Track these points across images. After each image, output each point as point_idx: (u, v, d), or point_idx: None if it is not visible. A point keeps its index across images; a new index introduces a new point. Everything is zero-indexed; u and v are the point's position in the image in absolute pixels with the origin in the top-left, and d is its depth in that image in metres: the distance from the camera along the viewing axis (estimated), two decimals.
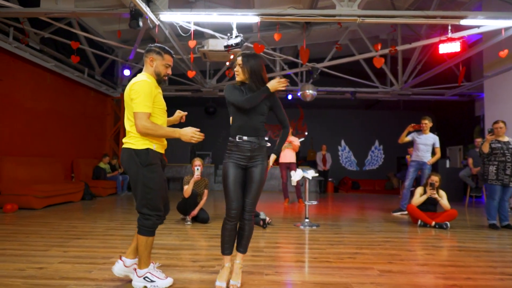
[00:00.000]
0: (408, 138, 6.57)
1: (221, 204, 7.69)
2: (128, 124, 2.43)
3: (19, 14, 5.63)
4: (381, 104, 13.50)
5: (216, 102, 13.44)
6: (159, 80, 2.53)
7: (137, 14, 5.22)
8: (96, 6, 6.91)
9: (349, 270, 2.95)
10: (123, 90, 6.92)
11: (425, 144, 6.39)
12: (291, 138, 7.85)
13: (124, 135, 2.89)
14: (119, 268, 2.53)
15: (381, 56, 7.80)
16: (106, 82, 9.92)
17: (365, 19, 5.38)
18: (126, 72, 8.80)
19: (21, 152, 6.88)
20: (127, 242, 3.79)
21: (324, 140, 13.37)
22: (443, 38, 5.82)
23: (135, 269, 2.49)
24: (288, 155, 7.82)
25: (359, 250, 3.65)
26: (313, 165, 12.17)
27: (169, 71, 2.56)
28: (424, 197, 5.28)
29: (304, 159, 13.26)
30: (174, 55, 2.59)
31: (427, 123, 6.37)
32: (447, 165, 9.33)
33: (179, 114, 2.79)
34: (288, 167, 7.83)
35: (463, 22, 5.44)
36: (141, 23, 5.30)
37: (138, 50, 7.46)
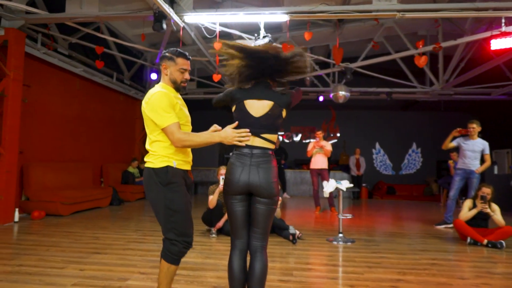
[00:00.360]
0: (453, 144, 5.98)
1: None
2: (148, 141, 2.23)
3: (45, 20, 5.58)
4: (419, 104, 12.70)
5: None
6: (177, 87, 2.25)
7: (160, 16, 5.01)
8: (120, 10, 6.81)
9: None
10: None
11: (473, 150, 5.77)
12: (323, 142, 7.42)
13: None
14: None
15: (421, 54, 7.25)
16: (135, 86, 9.89)
17: (405, 14, 4.88)
18: (153, 76, 8.71)
19: (50, 158, 6.89)
20: (146, 259, 3.56)
21: (358, 142, 12.77)
22: (495, 32, 5.21)
23: None
24: (319, 161, 7.39)
25: (402, 277, 3.21)
26: (345, 169, 11.62)
27: (186, 76, 2.25)
28: (474, 212, 4.72)
29: (336, 163, 12.71)
30: (190, 57, 2.28)
31: (475, 127, 5.76)
32: (495, 171, 8.54)
33: (215, 129, 2.30)
34: (320, 173, 7.40)
35: None
36: (165, 26, 5.09)
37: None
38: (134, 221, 5.85)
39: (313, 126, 13.74)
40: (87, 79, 7.90)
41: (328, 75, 10.70)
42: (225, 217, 4.92)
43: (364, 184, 11.56)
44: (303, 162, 12.62)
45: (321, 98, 10.72)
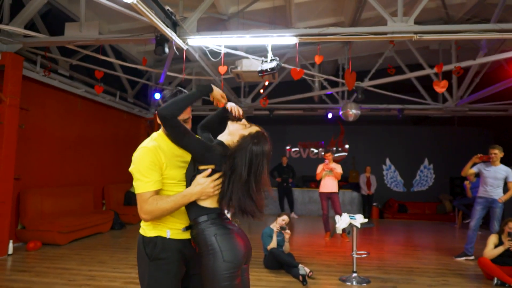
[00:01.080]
0: (474, 170, 5.62)
1: (255, 244, 7.05)
2: None
3: (44, 43, 5.38)
4: (430, 119, 12.31)
5: (252, 120, 12.84)
6: None
7: (162, 40, 4.76)
8: (123, 30, 6.59)
9: None
10: (156, 110, 6.51)
11: (495, 178, 5.40)
12: (333, 164, 7.08)
13: None
14: None
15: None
16: (139, 104, 9.67)
17: (423, 36, 4.57)
18: (157, 96, 8.48)
19: (49, 183, 6.63)
20: None
21: (367, 158, 12.38)
22: None
23: None
24: (329, 184, 7.05)
25: None
26: (355, 187, 11.24)
27: (189, 125, 1.90)
28: (501, 250, 4.34)
29: (346, 181, 12.30)
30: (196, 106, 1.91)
31: (497, 153, 5.40)
32: None
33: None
34: (330, 197, 7.05)
35: None
36: (167, 50, 4.83)
37: (168, 73, 7.06)
38: (134, 252, 5.53)
39: (321, 141, 13.41)
40: (89, 99, 7.68)
41: (337, 92, 10.40)
42: None
43: (374, 204, 11.17)
44: (311, 179, 12.25)
45: (330, 115, 10.42)
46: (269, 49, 4.91)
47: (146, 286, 1.78)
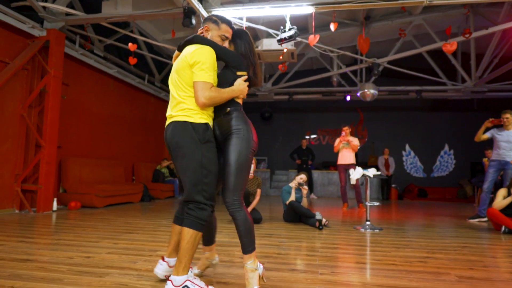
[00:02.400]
0: (487, 135, 5.81)
1: (276, 208, 7.42)
2: (182, 94, 2.02)
3: (83, 20, 5.94)
4: (450, 104, 12.36)
5: (272, 107, 13.29)
6: None
7: (190, 12, 5.23)
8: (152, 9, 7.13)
9: (419, 274, 2.51)
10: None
11: (508, 141, 5.58)
12: (350, 137, 7.38)
13: None
14: (164, 269, 2.22)
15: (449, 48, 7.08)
16: (165, 89, 10.24)
17: (433, 1, 4.85)
18: None
19: (86, 154, 7.23)
20: None
21: (387, 144, 12.51)
22: None
23: (166, 277, 2.06)
24: (346, 156, 7.35)
25: (430, 255, 3.15)
26: None
27: (226, 44, 2.16)
28: (509, 200, 4.56)
29: (365, 165, 12.50)
30: (234, 27, 2.22)
31: (508, 117, 5.59)
32: None
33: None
34: (347, 169, 7.33)
35: None
36: (194, 21, 5.30)
37: None
38: (165, 213, 6.02)
39: (341, 128, 13.62)
40: (120, 80, 8.28)
41: (355, 75, 10.65)
42: (252, 205, 4.99)
43: (393, 185, 11.31)
44: (331, 164, 12.52)
45: (348, 98, 10.66)
46: (287, 18, 5.30)
47: (199, 167, 1.95)
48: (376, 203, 4.79)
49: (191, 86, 2.00)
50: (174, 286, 1.89)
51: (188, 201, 1.98)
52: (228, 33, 2.16)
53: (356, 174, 4.65)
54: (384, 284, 2.26)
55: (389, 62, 9.28)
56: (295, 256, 3.03)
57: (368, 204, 4.64)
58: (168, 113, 2.10)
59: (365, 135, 13.46)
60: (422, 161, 13.14)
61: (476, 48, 9.48)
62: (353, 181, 4.81)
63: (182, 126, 1.98)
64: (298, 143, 11.50)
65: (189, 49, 2.04)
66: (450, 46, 5.32)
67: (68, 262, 2.65)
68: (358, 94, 9.38)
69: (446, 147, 13.04)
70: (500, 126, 5.73)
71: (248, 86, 2.15)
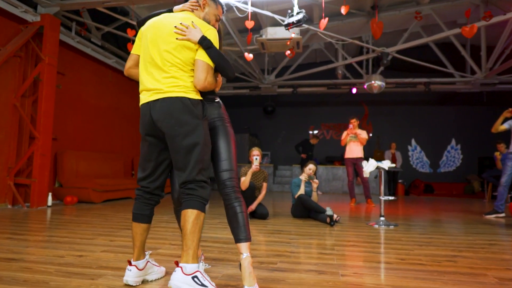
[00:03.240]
0: (505, 126, 5.52)
1: (280, 203, 7.13)
2: (179, 72, 1.83)
3: (79, 5, 5.63)
4: (458, 98, 12.03)
5: (275, 101, 12.97)
6: None
7: None
8: None
9: (453, 276, 2.22)
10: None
11: None
12: (358, 130, 7.07)
13: None
14: (134, 275, 1.91)
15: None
16: None
17: None
18: None
19: (83, 147, 6.94)
20: (177, 235, 3.39)
21: (392, 139, 12.22)
22: None
23: (176, 263, 1.75)
24: (354, 150, 7.05)
25: (458, 253, 2.86)
26: None
27: (216, 26, 2.09)
28: None
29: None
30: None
31: None
32: None
33: None
34: (355, 163, 7.04)
35: None
36: None
37: None
38: (165, 209, 5.73)
39: (345, 123, 13.33)
40: (119, 71, 7.97)
41: (361, 66, 10.34)
42: (258, 199, 4.71)
43: (400, 181, 11.03)
44: (335, 158, 12.24)
45: (354, 90, 10.35)
46: (295, 2, 4.98)
47: (202, 145, 1.82)
48: (392, 198, 4.49)
49: (189, 65, 1.85)
50: (184, 273, 1.67)
51: (187, 181, 1.82)
52: (221, 14, 2.13)
53: (369, 166, 4.36)
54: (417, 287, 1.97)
55: (397, 53, 8.98)
56: (309, 255, 2.74)
57: (382, 198, 4.35)
58: (151, 87, 1.83)
59: (370, 129, 13.15)
60: (429, 156, 12.86)
61: (486, 40, 9.16)
62: (366, 174, 4.51)
63: (181, 102, 1.81)
64: (302, 137, 11.20)
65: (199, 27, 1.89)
66: (469, 29, 5.02)
67: (58, 261, 2.36)
68: (365, 86, 9.06)
69: (453, 142, 12.75)
70: None
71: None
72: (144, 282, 1.97)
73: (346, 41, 7.31)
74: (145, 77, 1.88)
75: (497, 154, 8.32)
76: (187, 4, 2.01)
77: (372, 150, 12.61)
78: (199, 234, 1.76)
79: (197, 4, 2.01)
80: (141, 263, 1.95)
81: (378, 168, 4.36)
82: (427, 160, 12.84)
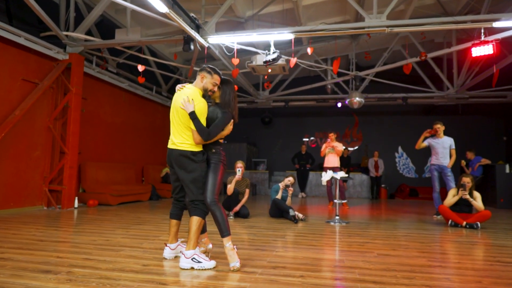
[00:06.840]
0: (425, 143, 6.74)
1: (265, 206, 8.33)
2: (184, 131, 2.81)
3: (99, 45, 6.94)
4: (439, 109, 13.10)
5: (271, 112, 14.19)
6: (204, 94, 3.00)
7: (189, 39, 6.18)
8: (157, 34, 8.12)
9: (348, 253, 3.41)
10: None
11: (443, 147, 6.52)
12: (335, 143, 8.23)
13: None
14: (168, 252, 3.06)
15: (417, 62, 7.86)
16: (171, 98, 11.21)
17: (393, 29, 5.71)
18: None
19: (102, 158, 8.25)
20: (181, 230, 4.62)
21: (380, 146, 13.32)
22: (476, 41, 5.88)
23: (181, 252, 2.87)
24: (331, 160, 8.21)
25: (371, 241, 4.04)
26: (365, 171, 12.27)
27: (215, 89, 2.93)
28: (456, 198, 5.39)
29: (358, 166, 13.35)
30: (221, 75, 3.03)
31: (439, 127, 6.59)
32: (507, 170, 8.91)
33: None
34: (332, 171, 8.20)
35: (496, 24, 5.50)
36: (192, 47, 6.25)
37: (195, 68, 8.51)
38: (169, 209, 6.98)
39: (337, 132, 14.46)
40: (131, 92, 9.30)
41: (347, 84, 11.51)
42: (242, 202, 5.92)
43: (383, 185, 12.11)
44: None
45: (339, 104, 11.52)
46: (272, 43, 6.22)
47: (201, 177, 2.83)
48: (344, 201, 5.66)
49: (188, 127, 2.81)
50: (186, 257, 2.76)
51: (193, 200, 2.85)
52: (218, 81, 2.94)
53: (326, 176, 5.55)
54: (308, 257, 3.16)
55: (378, 71, 10.09)
56: (265, 240, 3.94)
57: (337, 202, 5.54)
58: (171, 138, 2.91)
59: (360, 137, 14.28)
60: (414, 162, 13.90)
61: (458, 55, 10.24)
62: (323, 183, 5.71)
63: (185, 154, 2.83)
64: (297, 145, 12.42)
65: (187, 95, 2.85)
66: (407, 66, 6.20)
67: (93, 243, 3.61)
68: (347, 102, 10.22)
69: None
70: (435, 135, 6.63)
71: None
72: (176, 257, 3.08)
73: (324, 67, 8.43)
74: (171, 130, 2.93)
75: (462, 162, 9.42)
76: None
77: (361, 157, 13.73)
78: (198, 232, 2.84)
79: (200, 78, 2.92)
80: (173, 245, 3.10)
81: (333, 177, 5.54)
82: (413, 166, 13.89)
